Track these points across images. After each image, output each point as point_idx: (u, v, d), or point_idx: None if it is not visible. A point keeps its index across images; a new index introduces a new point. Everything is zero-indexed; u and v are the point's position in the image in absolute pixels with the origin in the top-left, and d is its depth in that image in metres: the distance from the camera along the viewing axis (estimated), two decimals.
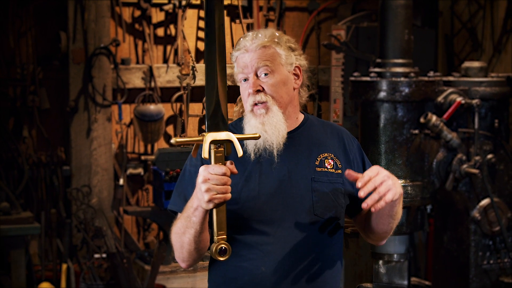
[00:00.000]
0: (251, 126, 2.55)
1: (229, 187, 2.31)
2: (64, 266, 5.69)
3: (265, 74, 2.56)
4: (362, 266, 4.95)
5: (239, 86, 2.66)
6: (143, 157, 6.40)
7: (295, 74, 2.63)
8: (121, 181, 6.24)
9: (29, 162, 6.01)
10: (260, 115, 2.54)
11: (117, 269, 5.46)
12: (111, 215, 6.16)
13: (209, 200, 2.29)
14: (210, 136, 2.33)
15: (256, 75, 2.56)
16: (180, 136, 6.02)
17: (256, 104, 2.55)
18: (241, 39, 2.60)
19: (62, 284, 5.66)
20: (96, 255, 5.80)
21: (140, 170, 6.37)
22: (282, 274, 2.51)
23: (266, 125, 2.53)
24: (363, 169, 2.69)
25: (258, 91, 2.55)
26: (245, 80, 2.58)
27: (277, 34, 2.61)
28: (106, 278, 5.66)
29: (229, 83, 2.47)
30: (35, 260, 5.96)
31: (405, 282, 4.10)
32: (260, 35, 2.58)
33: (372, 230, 2.67)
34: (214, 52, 2.37)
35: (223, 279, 2.58)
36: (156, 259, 5.52)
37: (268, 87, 2.56)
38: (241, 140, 2.39)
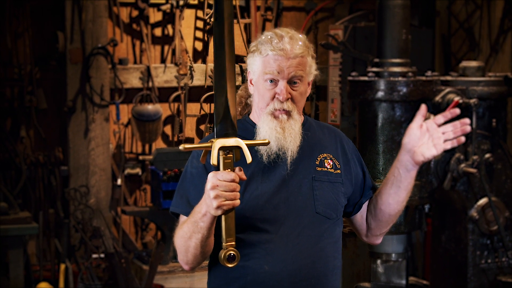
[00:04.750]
0: (270, 128, 2.54)
1: (238, 194, 2.31)
2: (62, 266, 5.68)
3: (295, 83, 2.56)
4: (360, 265, 4.96)
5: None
6: (141, 157, 6.40)
7: (308, 83, 2.64)
8: (119, 181, 6.24)
9: (26, 162, 6.01)
10: (281, 120, 2.54)
11: (115, 269, 5.46)
12: (109, 215, 6.16)
13: (218, 207, 2.29)
14: (219, 143, 2.32)
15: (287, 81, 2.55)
16: (179, 136, 6.03)
17: (279, 110, 2.54)
18: (274, 38, 2.54)
19: (60, 284, 5.65)
20: (94, 255, 5.79)
21: (138, 170, 6.37)
22: (285, 273, 2.52)
23: (286, 131, 2.54)
24: (361, 169, 2.71)
25: (287, 99, 2.54)
26: (272, 81, 2.55)
27: (306, 40, 2.60)
28: (104, 278, 5.65)
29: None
30: (33, 260, 5.96)
31: (403, 282, 4.11)
32: (298, 41, 2.55)
33: (379, 215, 2.68)
34: (223, 56, 2.35)
35: (225, 279, 2.57)
36: (154, 259, 5.52)
37: (296, 96, 2.56)
38: (250, 146, 2.36)
